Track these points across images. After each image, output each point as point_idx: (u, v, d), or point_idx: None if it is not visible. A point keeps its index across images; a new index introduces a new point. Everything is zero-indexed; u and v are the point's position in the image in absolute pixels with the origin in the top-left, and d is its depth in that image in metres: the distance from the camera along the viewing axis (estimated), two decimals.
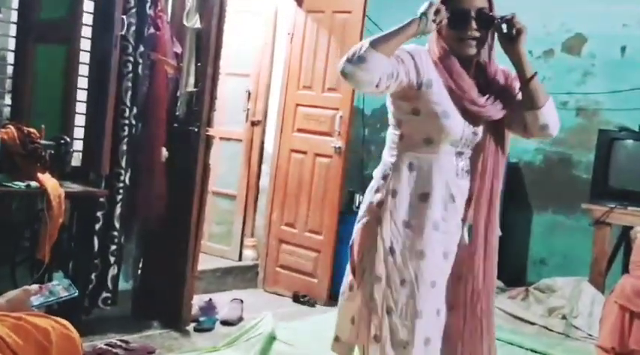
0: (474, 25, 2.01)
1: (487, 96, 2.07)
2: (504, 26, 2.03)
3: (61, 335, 1.52)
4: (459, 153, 2.09)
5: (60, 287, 1.75)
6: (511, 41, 2.03)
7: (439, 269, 2.11)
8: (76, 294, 1.79)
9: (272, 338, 3.63)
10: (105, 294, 3.46)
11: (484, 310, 2.13)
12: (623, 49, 5.08)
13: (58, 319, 1.60)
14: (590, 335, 4.20)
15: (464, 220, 2.14)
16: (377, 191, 2.18)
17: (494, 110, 2.07)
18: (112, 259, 3.47)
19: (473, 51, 2.06)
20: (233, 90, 5.14)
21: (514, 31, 2.01)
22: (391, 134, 2.18)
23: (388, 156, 2.18)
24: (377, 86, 1.90)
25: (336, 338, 2.32)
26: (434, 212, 2.07)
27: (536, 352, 3.92)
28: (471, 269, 2.12)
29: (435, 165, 2.08)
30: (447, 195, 2.08)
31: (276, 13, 5.03)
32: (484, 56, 2.10)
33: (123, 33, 3.38)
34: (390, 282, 2.10)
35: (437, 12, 1.93)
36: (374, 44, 1.88)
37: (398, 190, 2.11)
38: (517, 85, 2.12)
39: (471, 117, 2.07)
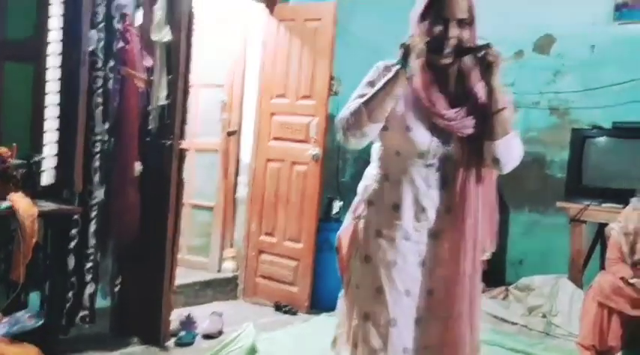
0: (448, 51, 2.00)
1: (458, 109, 2.03)
2: (479, 55, 2.00)
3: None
4: (429, 165, 2.08)
5: (26, 316, 1.72)
6: (485, 71, 2.00)
7: (413, 278, 2.10)
8: (41, 323, 1.76)
9: (253, 351, 3.61)
10: (82, 313, 3.41)
11: (452, 318, 2.09)
12: (592, 47, 5.14)
13: (28, 346, 1.57)
14: (570, 332, 4.23)
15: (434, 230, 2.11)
16: (358, 201, 2.23)
17: (463, 125, 2.02)
18: (89, 277, 3.43)
19: (448, 60, 2.03)
20: (207, 101, 5.12)
21: (485, 63, 1.98)
22: (375, 147, 2.23)
23: (370, 168, 2.24)
24: None
25: (333, 340, 2.35)
26: (404, 222, 2.09)
27: (517, 351, 3.94)
28: (438, 280, 2.12)
29: (405, 176, 2.09)
30: (417, 207, 2.09)
31: (248, 23, 5.02)
32: (464, 64, 2.07)
33: (92, 48, 3.36)
34: (366, 290, 2.13)
35: (419, 52, 1.94)
36: (372, 116, 1.98)
37: (374, 201, 2.16)
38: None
39: (440, 130, 2.04)
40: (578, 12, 5.13)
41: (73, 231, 3.37)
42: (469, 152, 2.05)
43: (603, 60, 5.08)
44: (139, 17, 3.85)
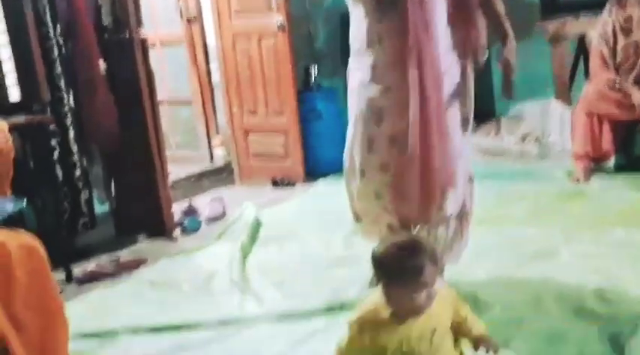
0: None
1: None
2: None
3: (19, 246, 1.47)
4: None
5: (6, 201, 1.70)
6: None
7: None
8: (24, 205, 1.74)
9: (258, 224, 3.64)
10: (82, 220, 3.43)
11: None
12: None
13: (13, 230, 1.55)
14: (564, 149, 4.26)
15: None
16: None
17: None
18: (80, 184, 3.42)
19: None
20: None
21: None
22: None
23: None
24: None
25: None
26: None
27: (515, 178, 3.97)
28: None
29: None
30: None
31: None
32: None
33: None
34: None
35: None
36: None
37: None
38: None
39: None
40: None
41: (53, 142, 3.32)
42: None
43: None
44: None
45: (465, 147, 2.45)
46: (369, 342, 1.65)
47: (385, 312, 1.65)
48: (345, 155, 2.53)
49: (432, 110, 2.27)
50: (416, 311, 1.63)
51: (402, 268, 1.60)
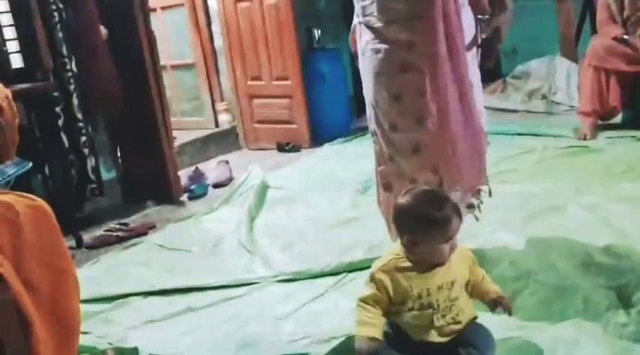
0: None
1: None
2: None
3: (27, 206, 1.47)
4: None
5: (10, 165, 1.69)
6: None
7: None
8: (30, 165, 1.74)
9: (265, 187, 3.65)
10: (90, 186, 3.44)
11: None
12: None
13: (20, 193, 1.55)
14: (571, 106, 4.24)
15: None
16: None
17: None
18: (86, 151, 3.42)
19: None
20: None
21: None
22: None
23: None
24: None
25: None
26: None
27: (522, 134, 3.96)
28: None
29: None
30: None
31: None
32: None
33: None
34: None
35: None
36: None
37: None
38: None
39: None
40: None
41: (58, 109, 3.32)
42: None
43: None
44: None
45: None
46: (391, 290, 1.66)
47: (406, 263, 1.67)
48: (368, 117, 2.36)
49: (462, 64, 2.17)
50: (439, 262, 1.65)
51: (430, 220, 1.61)
